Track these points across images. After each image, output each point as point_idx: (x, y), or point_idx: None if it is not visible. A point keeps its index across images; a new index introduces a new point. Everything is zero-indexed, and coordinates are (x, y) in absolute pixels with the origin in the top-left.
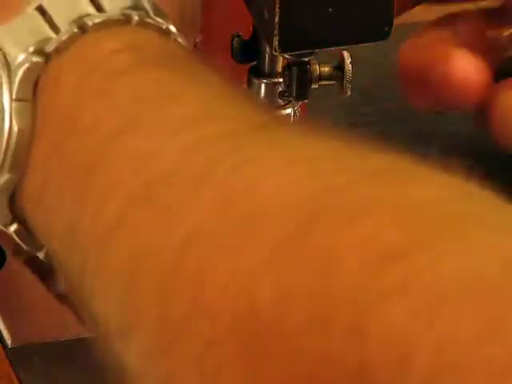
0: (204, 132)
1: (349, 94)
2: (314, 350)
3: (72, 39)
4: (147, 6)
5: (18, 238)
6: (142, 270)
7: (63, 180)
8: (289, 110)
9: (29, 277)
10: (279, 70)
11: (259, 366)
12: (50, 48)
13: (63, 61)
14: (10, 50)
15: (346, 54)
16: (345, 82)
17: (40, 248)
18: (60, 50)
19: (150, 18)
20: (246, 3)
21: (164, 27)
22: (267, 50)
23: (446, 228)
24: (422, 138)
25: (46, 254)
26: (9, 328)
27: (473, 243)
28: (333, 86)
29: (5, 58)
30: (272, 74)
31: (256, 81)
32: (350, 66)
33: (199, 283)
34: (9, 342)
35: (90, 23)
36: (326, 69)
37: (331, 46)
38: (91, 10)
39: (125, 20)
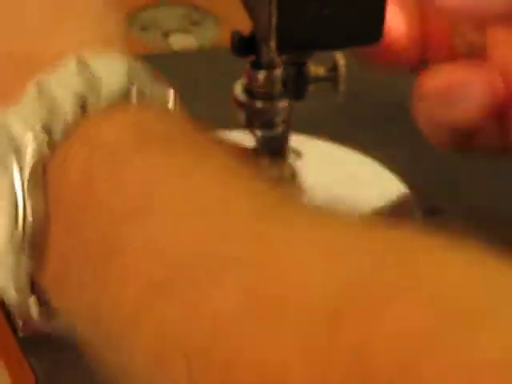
0: (221, 217)
1: (342, 96)
2: None
3: (76, 122)
4: (144, 76)
5: (35, 309)
6: (169, 353)
7: (82, 265)
8: (285, 102)
9: None
10: (277, 61)
11: None
12: (56, 136)
13: (69, 145)
14: (17, 134)
15: (339, 56)
16: (339, 84)
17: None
18: (67, 133)
19: (147, 87)
20: (243, 4)
21: (162, 98)
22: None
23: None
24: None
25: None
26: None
27: (500, 332)
28: (328, 88)
29: (14, 142)
30: (271, 65)
31: (255, 72)
32: (344, 68)
33: (228, 371)
34: (20, 331)
35: (90, 107)
36: (321, 71)
37: (327, 49)
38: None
39: (124, 98)
